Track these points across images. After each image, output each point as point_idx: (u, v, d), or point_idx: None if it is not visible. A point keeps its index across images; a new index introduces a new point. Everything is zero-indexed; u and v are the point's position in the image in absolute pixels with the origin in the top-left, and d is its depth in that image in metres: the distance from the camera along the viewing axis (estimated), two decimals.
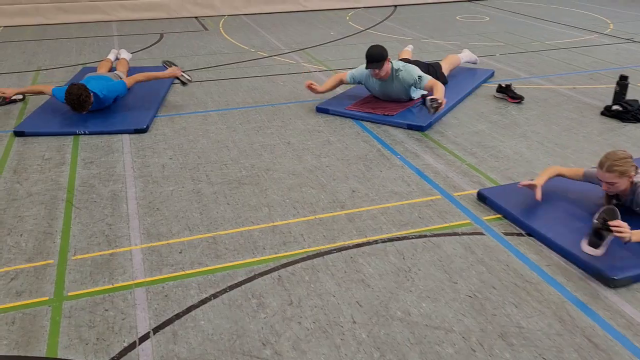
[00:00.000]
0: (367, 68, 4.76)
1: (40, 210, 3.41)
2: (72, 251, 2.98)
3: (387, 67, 4.73)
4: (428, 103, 4.41)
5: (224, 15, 10.02)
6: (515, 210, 3.19)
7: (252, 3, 10.29)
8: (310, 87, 5.08)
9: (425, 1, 11.01)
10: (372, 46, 4.75)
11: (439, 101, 4.37)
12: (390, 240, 3.05)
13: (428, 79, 4.74)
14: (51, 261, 2.90)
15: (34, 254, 2.96)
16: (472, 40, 7.78)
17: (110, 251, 2.98)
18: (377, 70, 4.72)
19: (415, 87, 4.82)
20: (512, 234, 3.08)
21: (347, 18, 9.69)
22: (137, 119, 4.73)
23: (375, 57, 4.67)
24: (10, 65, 6.77)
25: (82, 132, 4.52)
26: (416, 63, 5.29)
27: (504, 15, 9.82)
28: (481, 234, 3.09)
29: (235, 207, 3.43)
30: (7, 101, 5.27)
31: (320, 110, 5.01)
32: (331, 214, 3.33)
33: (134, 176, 3.84)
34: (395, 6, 10.69)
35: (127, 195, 3.58)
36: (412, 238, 3.06)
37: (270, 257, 2.92)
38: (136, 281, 2.74)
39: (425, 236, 3.08)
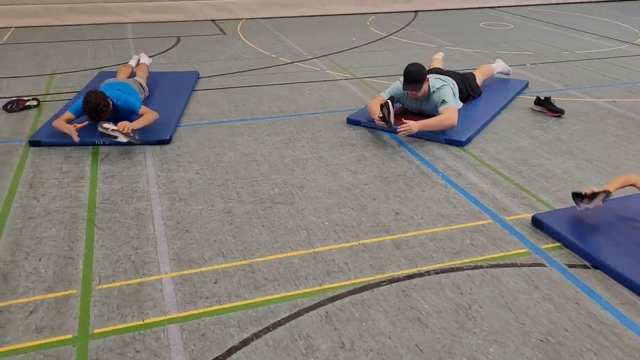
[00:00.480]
0: (404, 89, 4.50)
1: (60, 230, 3.16)
2: (97, 279, 2.73)
3: (425, 87, 4.47)
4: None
5: (242, 19, 9.78)
6: (578, 239, 2.92)
7: (269, 6, 10.05)
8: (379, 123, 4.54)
9: (446, 7, 10.74)
10: (410, 65, 4.48)
11: (403, 129, 4.22)
12: (444, 271, 2.78)
13: (446, 108, 4.43)
14: (74, 291, 2.64)
15: (54, 282, 2.71)
16: (498, 49, 7.51)
17: (138, 280, 2.73)
18: (415, 92, 4.47)
19: (437, 108, 4.56)
20: (576, 266, 2.81)
21: (368, 23, 9.43)
22: (160, 129, 4.47)
23: (414, 77, 4.39)
24: (24, 69, 6.54)
25: (102, 143, 4.28)
26: (451, 74, 5.03)
27: (527, 22, 9.55)
28: (542, 265, 2.82)
29: (271, 229, 3.17)
30: (22, 107, 5.03)
31: (352, 122, 4.75)
32: (376, 240, 3.06)
33: (159, 193, 3.59)
34: (416, 12, 10.43)
35: (153, 215, 3.33)
36: (468, 269, 2.80)
37: (314, 289, 2.66)
38: (169, 316, 2.48)
39: (482, 267, 2.81)
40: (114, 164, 3.99)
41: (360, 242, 3.04)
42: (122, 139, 4.12)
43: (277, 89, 5.76)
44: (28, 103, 5.06)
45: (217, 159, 4.09)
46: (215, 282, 2.71)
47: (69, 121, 4.36)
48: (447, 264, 2.84)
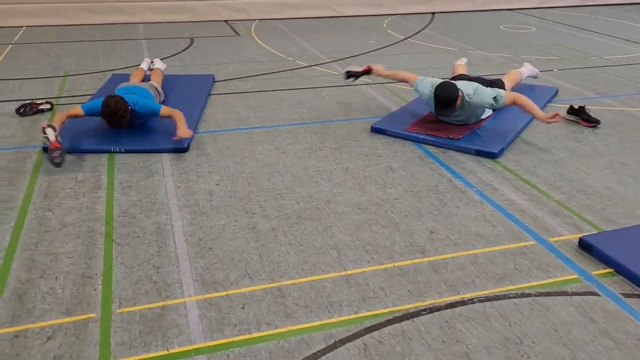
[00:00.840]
0: (438, 115, 4.31)
1: (77, 245, 2.99)
2: (117, 302, 2.55)
3: (457, 105, 4.28)
4: None
5: (255, 20, 9.60)
6: (634, 265, 2.72)
7: (283, 7, 9.86)
8: (370, 67, 4.95)
9: (464, 9, 10.52)
10: (441, 88, 4.24)
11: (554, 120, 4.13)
12: (489, 299, 2.59)
13: (505, 95, 4.30)
14: (93, 315, 2.47)
15: (72, 304, 2.53)
16: (521, 53, 7.29)
17: (161, 303, 2.55)
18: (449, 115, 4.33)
19: (493, 108, 4.38)
20: (633, 296, 2.61)
21: (384, 25, 9.23)
22: None
23: (448, 101, 4.20)
24: (36, 70, 6.39)
25: (118, 150, 4.11)
26: (477, 79, 4.83)
27: (550, 26, 9.32)
28: (595, 294, 2.62)
29: (299, 248, 2.99)
30: (35, 111, 4.87)
31: (376, 130, 4.56)
32: (411, 262, 2.87)
33: (179, 205, 3.41)
34: (433, 13, 10.22)
35: (174, 230, 3.15)
36: (514, 297, 2.60)
37: (350, 317, 2.47)
38: (195, 346, 2.30)
39: (529, 295, 2.62)
40: (130, 173, 3.81)
41: (395, 264, 2.85)
42: (51, 153, 3.77)
43: (296, 94, 5.57)
44: (41, 107, 4.90)
45: (238, 169, 3.91)
46: (242, 308, 2.53)
47: (76, 117, 4.23)
48: (491, 291, 2.65)
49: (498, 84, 4.94)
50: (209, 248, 2.98)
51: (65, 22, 9.19)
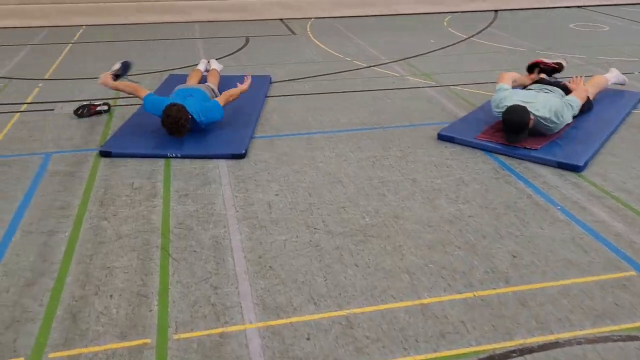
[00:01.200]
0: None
1: (132, 259, 2.84)
2: (173, 326, 2.38)
3: (529, 128, 3.96)
4: None
5: (311, 18, 9.40)
6: None
7: (340, 5, 9.63)
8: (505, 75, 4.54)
9: (529, 6, 9.98)
10: (509, 112, 3.92)
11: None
12: (589, 341, 2.26)
13: (575, 100, 4.06)
14: (148, 340, 2.30)
15: (127, 326, 2.38)
16: (597, 54, 6.77)
17: (220, 330, 2.36)
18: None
19: (572, 112, 4.05)
20: None
21: (445, 23, 8.84)
22: (234, 141, 4.13)
23: (519, 127, 3.89)
24: (94, 70, 6.36)
25: (174, 155, 3.97)
26: (556, 84, 4.45)
27: (625, 24, 8.69)
28: None
29: (366, 270, 2.74)
30: (93, 111, 4.82)
31: (444, 137, 4.25)
32: (494, 291, 2.57)
33: (237, 217, 3.22)
34: (496, 11, 9.73)
35: (232, 245, 2.96)
36: (618, 340, 2.27)
37: (428, 356, 2.20)
38: None
39: (637, 338, 2.28)
40: (187, 181, 3.66)
41: (476, 293, 2.56)
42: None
43: (356, 97, 5.32)
44: (99, 108, 4.84)
45: (297, 177, 3.70)
46: (308, 339, 2.30)
47: (135, 95, 4.49)
48: (590, 330, 2.32)
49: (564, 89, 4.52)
50: (270, 267, 2.77)
51: (123, 21, 9.26)
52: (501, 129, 4.17)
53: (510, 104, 4.04)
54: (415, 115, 4.81)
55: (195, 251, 2.90)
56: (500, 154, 3.98)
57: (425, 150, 4.10)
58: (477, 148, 4.08)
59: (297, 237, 3.03)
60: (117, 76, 4.76)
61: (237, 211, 3.30)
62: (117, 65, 4.88)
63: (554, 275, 2.67)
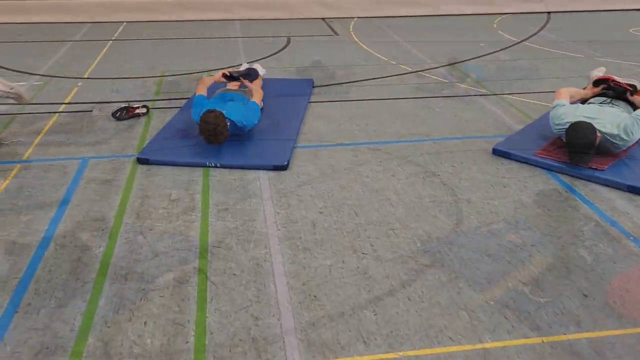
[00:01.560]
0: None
1: (169, 281, 2.67)
2: None
3: (595, 146, 3.64)
4: None
5: (353, 18, 9.15)
6: None
7: (383, 4, 9.35)
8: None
9: (585, 8, 9.49)
10: (575, 130, 3.60)
11: None
12: None
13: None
14: None
15: (161, 359, 2.21)
16: None
17: None
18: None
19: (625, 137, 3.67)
20: None
21: (495, 25, 8.47)
22: (276, 151, 3.93)
23: (583, 148, 3.58)
24: (133, 69, 6.30)
25: (213, 165, 3.80)
26: (622, 97, 4.10)
27: None
28: None
29: (420, 305, 2.50)
30: (131, 114, 4.70)
31: (499, 153, 3.96)
32: (565, 337, 2.29)
33: (279, 237, 3.02)
34: (549, 13, 9.29)
35: (274, 269, 2.76)
36: None
37: None
38: None
39: None
40: (226, 193, 3.48)
41: (544, 339, 2.29)
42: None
43: (403, 105, 5.06)
44: (137, 111, 4.72)
45: (343, 194, 3.47)
46: None
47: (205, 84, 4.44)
48: None
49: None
50: (314, 296, 2.56)
51: (163, 18, 9.21)
52: (563, 145, 3.86)
53: (572, 120, 3.72)
54: (466, 126, 4.53)
55: (234, 274, 2.72)
56: (562, 173, 3.67)
57: (479, 166, 3.82)
58: (536, 166, 3.78)
59: (343, 262, 2.81)
60: (231, 76, 4.69)
61: (279, 229, 3.10)
62: (243, 67, 5.04)
63: (632, 321, 2.38)
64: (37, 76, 6.00)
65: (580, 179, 3.60)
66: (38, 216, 3.22)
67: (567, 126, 3.71)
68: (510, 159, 3.90)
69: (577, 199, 3.39)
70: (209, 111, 3.81)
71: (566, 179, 3.62)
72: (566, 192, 3.47)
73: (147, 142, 4.19)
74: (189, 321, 2.41)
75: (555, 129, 3.88)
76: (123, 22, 9.05)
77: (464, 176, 3.69)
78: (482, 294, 2.57)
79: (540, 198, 3.40)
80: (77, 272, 2.73)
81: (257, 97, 4.33)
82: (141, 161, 3.87)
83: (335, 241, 2.99)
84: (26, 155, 4.04)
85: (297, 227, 3.12)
